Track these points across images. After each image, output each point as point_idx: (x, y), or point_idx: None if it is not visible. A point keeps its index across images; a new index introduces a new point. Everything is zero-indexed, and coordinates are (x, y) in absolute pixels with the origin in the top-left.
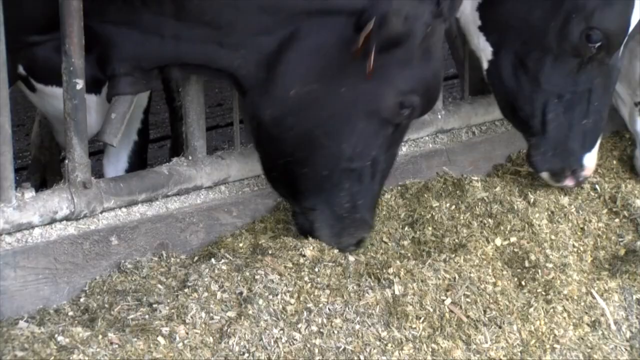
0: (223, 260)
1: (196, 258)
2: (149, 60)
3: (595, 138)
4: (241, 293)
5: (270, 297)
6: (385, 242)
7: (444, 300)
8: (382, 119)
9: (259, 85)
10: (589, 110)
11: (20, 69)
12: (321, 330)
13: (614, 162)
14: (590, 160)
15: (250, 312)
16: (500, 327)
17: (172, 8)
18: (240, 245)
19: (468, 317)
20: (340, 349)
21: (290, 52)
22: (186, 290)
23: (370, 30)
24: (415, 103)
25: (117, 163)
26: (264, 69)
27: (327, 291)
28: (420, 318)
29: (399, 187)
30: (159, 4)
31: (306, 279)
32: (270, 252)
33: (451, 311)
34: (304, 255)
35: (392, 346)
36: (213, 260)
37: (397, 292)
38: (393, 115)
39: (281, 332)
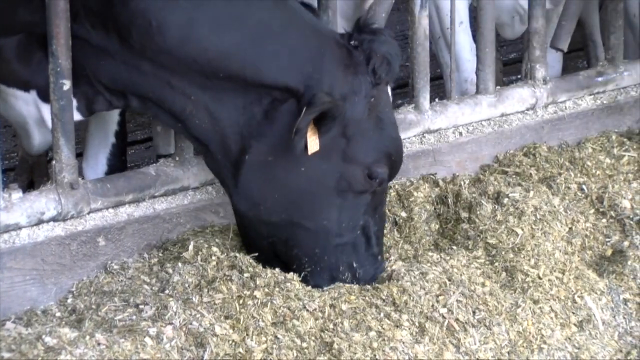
0: (212, 264)
1: (182, 259)
2: (108, 81)
3: None
4: (226, 294)
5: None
6: None
7: (432, 303)
8: (356, 192)
9: (218, 146)
10: None
11: None
12: (304, 331)
13: (601, 162)
14: None
15: (233, 312)
16: (489, 328)
17: (116, 38)
18: (226, 245)
19: (457, 320)
20: (328, 349)
21: (240, 118)
22: (171, 291)
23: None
24: (382, 173)
25: (96, 166)
26: (218, 127)
27: (316, 294)
28: (409, 320)
29: None
30: (105, 32)
31: (295, 282)
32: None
33: (442, 315)
34: None
35: (381, 347)
36: (200, 261)
37: (385, 294)
38: (365, 187)
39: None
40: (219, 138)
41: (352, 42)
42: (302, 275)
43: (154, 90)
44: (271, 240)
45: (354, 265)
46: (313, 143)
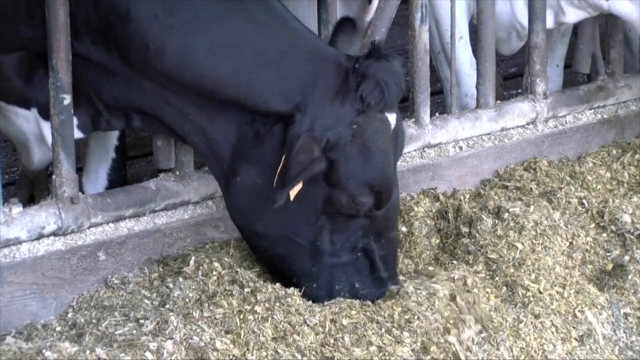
0: (213, 279)
1: (183, 274)
2: (109, 98)
3: None
4: (227, 308)
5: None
6: None
7: (436, 320)
8: (347, 215)
9: (215, 165)
10: None
11: None
12: (304, 346)
13: (602, 177)
14: None
15: (234, 327)
16: (492, 345)
17: (118, 56)
18: (226, 260)
19: None
20: None
21: (234, 138)
22: (172, 306)
23: (285, 162)
24: (365, 202)
25: (96, 181)
26: (214, 146)
27: (316, 309)
28: (412, 337)
29: None
30: (106, 49)
31: (296, 297)
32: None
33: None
34: None
35: None
36: (201, 276)
37: (387, 313)
38: (353, 211)
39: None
40: (214, 156)
41: (356, 65)
42: (302, 290)
43: (153, 108)
44: (269, 254)
45: (356, 285)
46: (295, 189)
